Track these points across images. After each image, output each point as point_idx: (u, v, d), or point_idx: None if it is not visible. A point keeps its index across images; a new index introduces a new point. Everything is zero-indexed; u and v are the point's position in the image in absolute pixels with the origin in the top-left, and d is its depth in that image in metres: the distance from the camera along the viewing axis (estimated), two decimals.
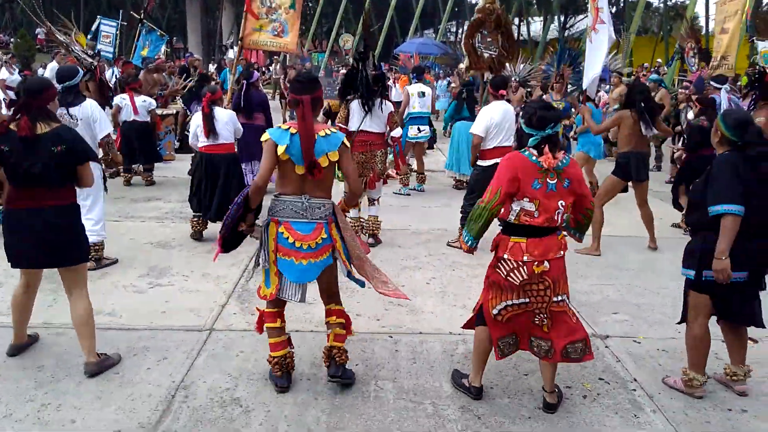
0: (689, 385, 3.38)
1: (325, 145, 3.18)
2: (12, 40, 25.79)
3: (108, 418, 3.04)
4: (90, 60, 8.97)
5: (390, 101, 6.00)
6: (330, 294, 3.47)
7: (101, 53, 10.86)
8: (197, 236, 5.96)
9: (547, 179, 3.00)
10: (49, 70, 11.67)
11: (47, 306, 4.27)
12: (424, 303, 4.59)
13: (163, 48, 13.35)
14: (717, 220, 3.08)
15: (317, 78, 3.65)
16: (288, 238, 3.17)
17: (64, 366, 3.51)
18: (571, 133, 8.45)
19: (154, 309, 4.35)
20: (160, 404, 3.17)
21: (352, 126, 5.76)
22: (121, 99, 7.92)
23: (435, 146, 11.43)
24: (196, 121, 5.91)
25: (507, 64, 11.17)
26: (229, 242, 3.39)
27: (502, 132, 5.66)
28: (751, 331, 3.42)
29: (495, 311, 3.10)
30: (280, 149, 3.12)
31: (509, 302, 3.07)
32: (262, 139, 3.21)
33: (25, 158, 3.18)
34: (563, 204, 3.03)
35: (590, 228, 5.73)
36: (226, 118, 5.86)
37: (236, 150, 6.16)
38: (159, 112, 8.73)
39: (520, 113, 3.20)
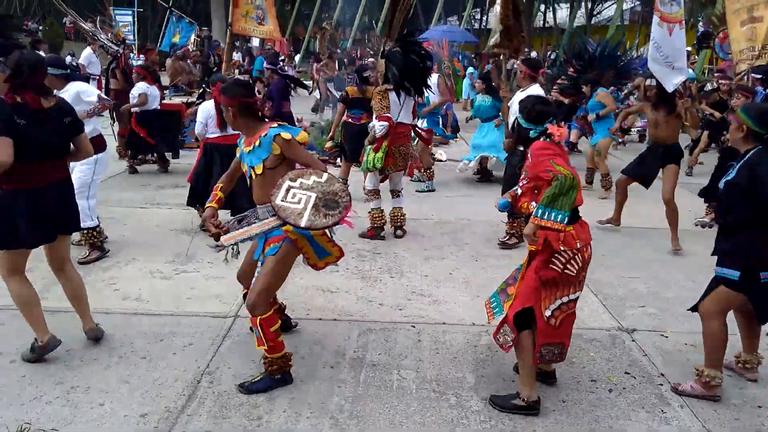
0: (710, 385, 3.24)
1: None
2: (40, 27, 26.14)
3: (135, 402, 3.09)
4: (116, 48, 9.08)
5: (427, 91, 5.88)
6: None
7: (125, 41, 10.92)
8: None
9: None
10: (84, 58, 11.78)
11: None
12: (447, 293, 4.57)
13: (193, 36, 13.41)
14: (762, 216, 2.98)
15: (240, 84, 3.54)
16: None
17: (93, 350, 3.57)
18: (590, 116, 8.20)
19: (179, 295, 4.40)
20: (186, 389, 3.22)
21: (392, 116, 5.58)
22: (146, 87, 7.88)
23: (459, 135, 11.35)
24: (206, 109, 5.62)
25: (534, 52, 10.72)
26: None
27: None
28: None
29: (548, 312, 2.98)
30: None
31: (564, 299, 2.98)
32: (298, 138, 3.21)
33: (41, 132, 3.21)
34: None
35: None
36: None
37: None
38: (185, 99, 8.78)
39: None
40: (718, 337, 3.23)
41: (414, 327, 4.01)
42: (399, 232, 5.87)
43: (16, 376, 3.29)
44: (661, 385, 3.41)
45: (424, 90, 5.80)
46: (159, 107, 7.96)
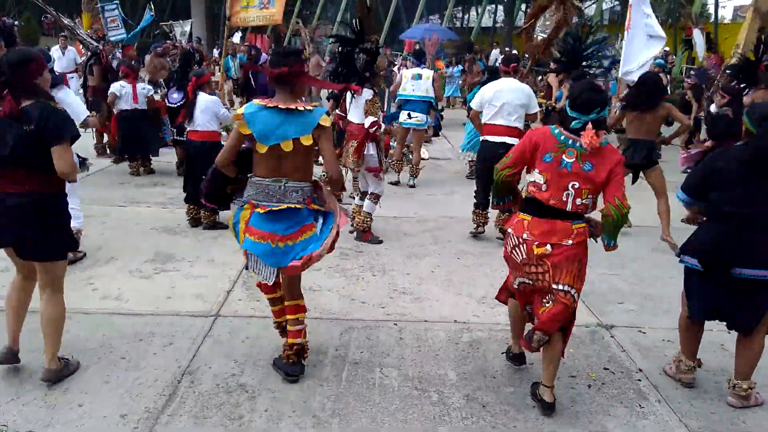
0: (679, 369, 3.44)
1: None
2: (16, 23, 25.66)
3: (114, 402, 3.06)
4: (95, 44, 8.93)
5: (373, 89, 5.57)
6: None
7: (113, 39, 10.62)
8: (193, 223, 5.90)
9: (563, 156, 2.91)
10: (67, 60, 11.56)
11: None
12: (429, 291, 4.59)
13: (186, 30, 13.12)
14: (710, 209, 3.18)
15: (298, 51, 3.41)
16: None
17: (72, 350, 3.51)
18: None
19: (160, 294, 4.36)
20: (167, 389, 3.19)
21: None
22: (120, 87, 7.59)
23: (441, 134, 11.39)
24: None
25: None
26: (214, 197, 3.42)
27: (491, 109, 5.59)
28: None
29: (515, 285, 3.18)
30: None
31: (520, 279, 3.11)
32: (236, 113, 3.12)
33: (1, 139, 2.91)
34: (576, 186, 2.91)
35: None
36: (203, 105, 5.70)
37: (220, 138, 5.79)
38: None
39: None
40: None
41: (396, 325, 4.02)
42: (356, 234, 5.67)
43: None
44: (639, 380, 3.46)
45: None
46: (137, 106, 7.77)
